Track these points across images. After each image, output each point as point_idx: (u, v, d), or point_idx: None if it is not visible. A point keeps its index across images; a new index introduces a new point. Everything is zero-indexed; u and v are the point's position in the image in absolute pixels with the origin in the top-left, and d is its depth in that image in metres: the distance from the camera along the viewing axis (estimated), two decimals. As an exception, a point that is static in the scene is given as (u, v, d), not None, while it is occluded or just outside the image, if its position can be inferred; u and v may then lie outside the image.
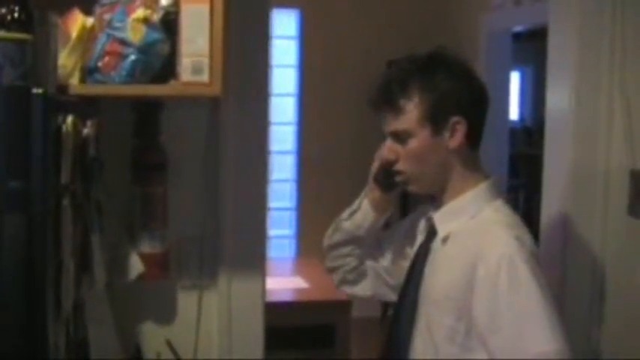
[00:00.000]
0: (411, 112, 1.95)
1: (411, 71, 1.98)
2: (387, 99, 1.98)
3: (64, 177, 1.83)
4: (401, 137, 1.98)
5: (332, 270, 2.34)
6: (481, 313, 1.86)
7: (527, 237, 1.93)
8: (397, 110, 1.96)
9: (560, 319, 1.83)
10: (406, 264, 2.19)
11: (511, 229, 1.92)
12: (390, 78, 2.01)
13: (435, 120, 1.94)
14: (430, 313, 1.98)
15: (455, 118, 1.95)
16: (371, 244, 2.27)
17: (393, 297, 2.28)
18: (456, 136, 1.96)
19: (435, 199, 2.08)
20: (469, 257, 1.90)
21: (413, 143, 1.97)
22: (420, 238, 2.15)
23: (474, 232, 1.96)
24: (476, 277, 1.86)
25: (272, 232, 2.71)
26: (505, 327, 1.83)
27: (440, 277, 1.98)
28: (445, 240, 2.00)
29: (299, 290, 4.45)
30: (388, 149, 2.03)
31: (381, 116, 2.01)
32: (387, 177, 2.09)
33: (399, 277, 2.22)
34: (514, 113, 8.51)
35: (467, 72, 2.02)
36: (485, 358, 1.87)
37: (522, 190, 7.37)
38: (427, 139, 1.96)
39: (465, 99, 1.97)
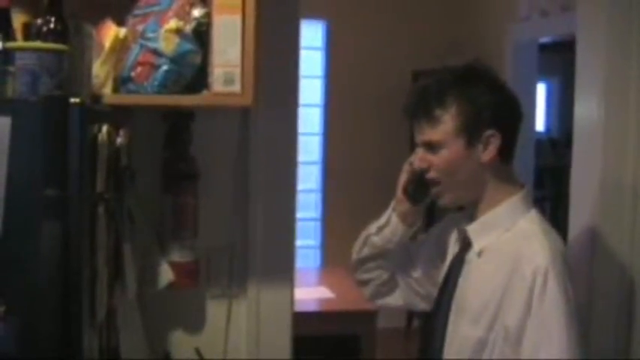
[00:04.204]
0: (446, 123, 1.94)
1: (448, 82, 1.98)
2: (423, 108, 1.97)
3: (100, 186, 1.85)
4: (433, 147, 1.97)
5: (363, 283, 2.32)
6: (513, 322, 1.86)
7: (562, 248, 1.94)
8: (433, 120, 1.95)
9: (578, 341, 1.84)
10: (437, 274, 2.19)
11: (547, 240, 1.92)
12: (426, 88, 2.00)
13: (470, 132, 1.94)
14: (463, 324, 1.98)
15: (489, 132, 1.94)
16: (400, 255, 2.26)
17: (423, 305, 2.28)
18: (489, 150, 1.95)
19: (466, 209, 2.08)
20: (506, 271, 1.90)
21: (445, 153, 1.96)
22: (451, 249, 2.15)
23: (509, 245, 1.95)
24: (510, 288, 1.87)
25: (297, 242, 2.71)
26: (526, 338, 1.84)
27: (476, 290, 1.98)
28: (480, 254, 2.00)
29: (324, 300, 4.44)
30: (420, 159, 2.02)
31: (415, 125, 2.00)
32: (417, 188, 2.09)
33: (430, 286, 2.22)
34: (540, 124, 8.47)
35: (503, 86, 2.02)
36: None
37: (548, 202, 7.33)
38: (460, 150, 1.95)
39: (500, 113, 1.97)
